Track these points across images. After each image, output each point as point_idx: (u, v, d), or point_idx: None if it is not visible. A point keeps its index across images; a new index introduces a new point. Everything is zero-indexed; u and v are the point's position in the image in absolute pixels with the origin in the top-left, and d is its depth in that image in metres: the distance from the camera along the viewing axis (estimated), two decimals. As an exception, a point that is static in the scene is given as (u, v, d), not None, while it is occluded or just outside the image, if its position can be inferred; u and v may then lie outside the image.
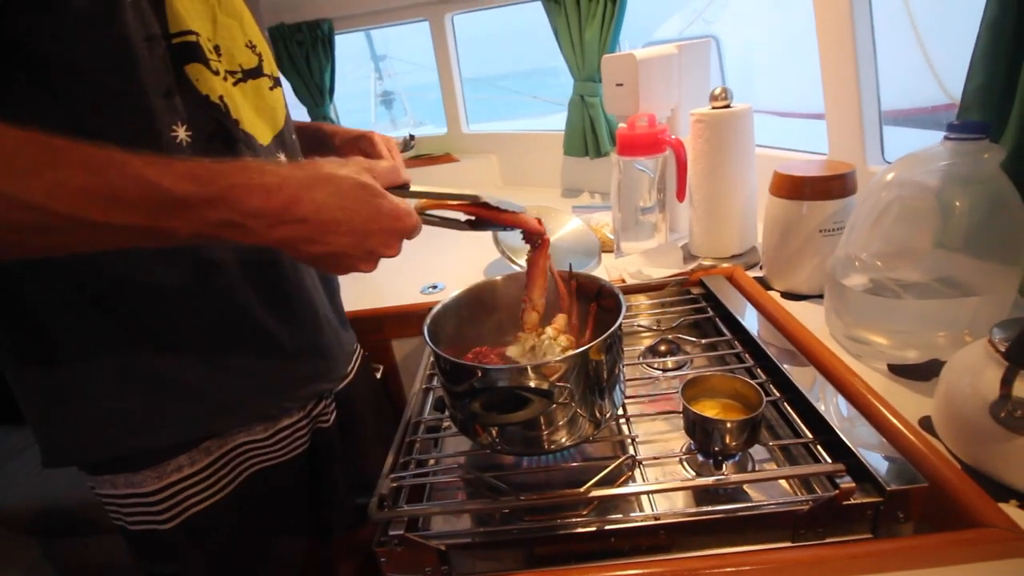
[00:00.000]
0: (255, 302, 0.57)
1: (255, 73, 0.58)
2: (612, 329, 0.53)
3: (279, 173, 0.42)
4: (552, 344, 0.59)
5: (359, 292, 1.12)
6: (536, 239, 0.63)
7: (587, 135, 1.47)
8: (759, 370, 0.66)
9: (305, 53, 1.74)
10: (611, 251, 1.11)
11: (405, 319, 1.00)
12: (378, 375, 1.03)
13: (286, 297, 0.61)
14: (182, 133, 0.50)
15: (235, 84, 0.55)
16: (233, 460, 0.60)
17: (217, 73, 0.52)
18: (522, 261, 1.03)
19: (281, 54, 1.75)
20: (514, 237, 1.08)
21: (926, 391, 0.59)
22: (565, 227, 1.13)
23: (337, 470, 0.74)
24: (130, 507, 0.56)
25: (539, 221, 0.62)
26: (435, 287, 1.07)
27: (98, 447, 0.54)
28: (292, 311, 0.61)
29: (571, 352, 0.53)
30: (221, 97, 0.52)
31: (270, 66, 0.60)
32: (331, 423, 0.71)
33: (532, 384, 0.50)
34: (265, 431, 0.62)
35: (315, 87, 1.80)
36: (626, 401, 0.66)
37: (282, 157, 0.61)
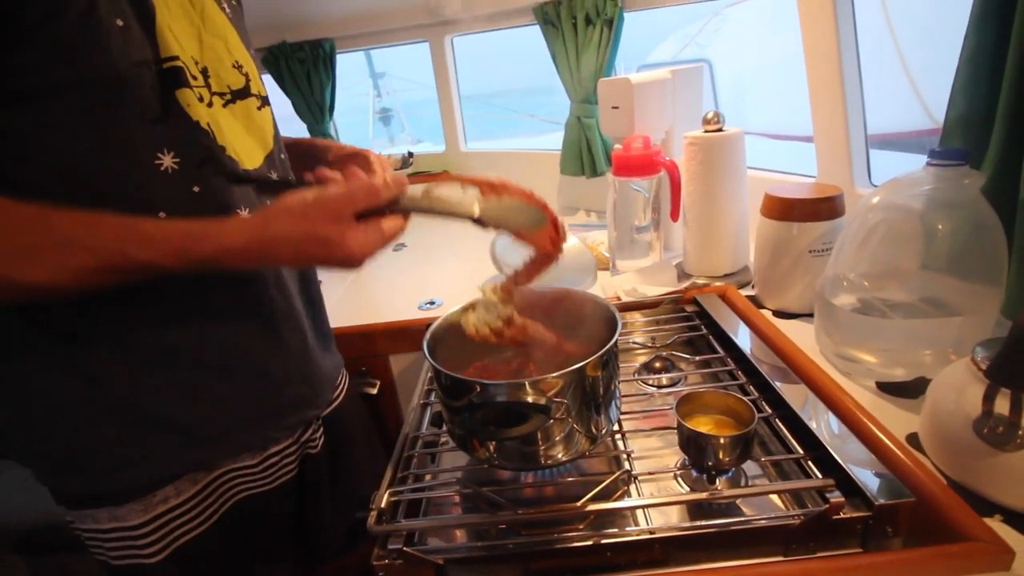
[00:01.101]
0: (244, 330, 0.56)
1: (243, 94, 0.57)
2: (608, 346, 0.54)
3: (242, 228, 0.48)
4: (492, 306, 0.59)
5: (357, 308, 1.13)
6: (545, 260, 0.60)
7: (583, 155, 1.50)
8: (751, 387, 0.67)
9: (306, 71, 1.77)
10: (607, 269, 1.13)
11: (402, 335, 1.00)
12: (374, 391, 1.03)
13: (275, 324, 0.59)
14: (168, 160, 0.49)
15: (225, 105, 0.54)
16: (220, 488, 0.59)
17: (201, 100, 0.51)
18: (519, 278, 1.04)
19: (283, 72, 1.78)
20: (512, 255, 1.10)
21: (913, 408, 0.60)
22: (561, 245, 1.15)
23: (326, 495, 0.73)
24: (114, 541, 0.54)
25: (556, 232, 0.59)
26: (432, 303, 1.08)
27: (76, 481, 0.53)
28: (280, 338, 0.60)
29: (568, 368, 0.54)
30: (208, 124, 0.52)
31: (257, 86, 0.59)
32: (319, 449, 0.70)
33: (530, 399, 0.51)
34: (253, 458, 0.61)
35: (315, 105, 1.83)
36: (621, 417, 0.67)
37: (273, 176, 0.60)
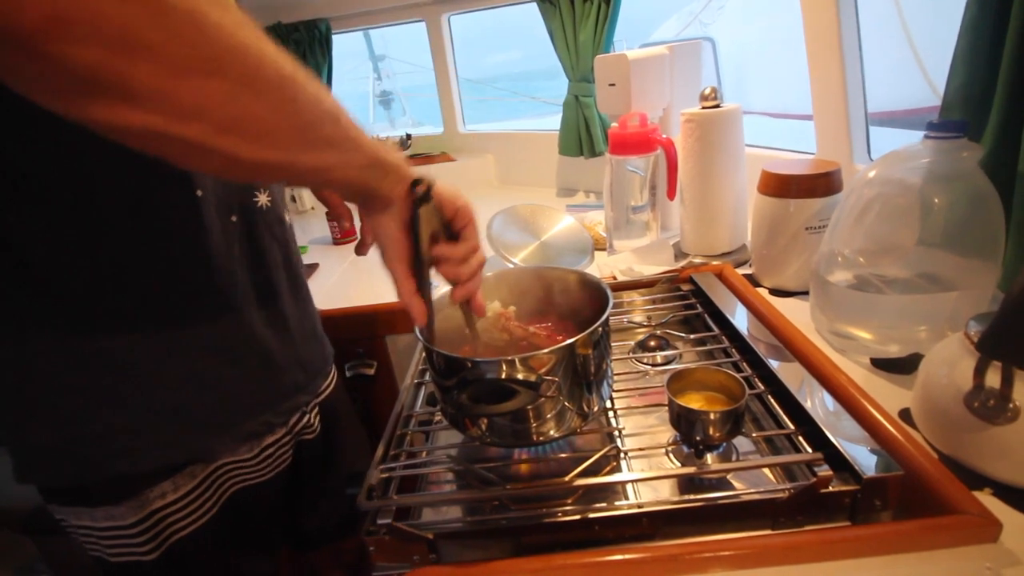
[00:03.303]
0: (254, 309, 0.56)
1: None
2: (597, 324, 0.54)
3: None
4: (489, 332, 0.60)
5: (354, 290, 1.13)
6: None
7: (582, 135, 1.48)
8: (745, 364, 0.67)
9: (303, 52, 1.75)
10: (604, 249, 1.12)
11: (398, 316, 1.01)
12: (372, 371, 1.04)
13: (283, 306, 0.60)
14: None
15: None
16: (217, 481, 0.59)
17: None
18: (516, 259, 1.04)
19: (278, 54, 1.76)
20: (508, 235, 1.09)
21: (907, 384, 0.60)
22: (558, 225, 1.14)
23: (322, 481, 0.73)
24: (110, 539, 0.54)
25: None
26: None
27: (74, 469, 0.51)
28: (286, 320, 0.60)
29: (558, 345, 0.54)
30: None
31: None
32: (315, 435, 0.71)
33: (520, 376, 0.51)
34: (250, 451, 0.61)
35: (312, 87, 1.81)
36: (615, 395, 0.67)
37: None
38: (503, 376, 0.52)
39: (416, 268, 0.49)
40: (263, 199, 0.58)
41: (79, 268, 0.47)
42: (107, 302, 0.48)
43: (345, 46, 1.85)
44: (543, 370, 0.51)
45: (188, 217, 0.50)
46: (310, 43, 1.73)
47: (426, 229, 0.48)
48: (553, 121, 1.58)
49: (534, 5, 1.48)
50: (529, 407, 0.52)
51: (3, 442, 0.53)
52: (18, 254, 0.46)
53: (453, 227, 0.51)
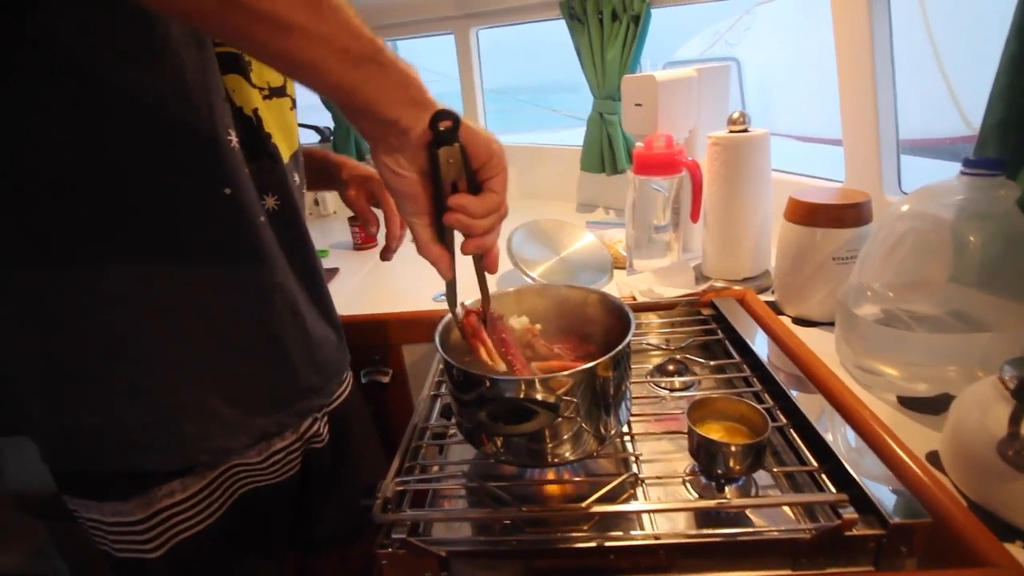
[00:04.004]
0: (273, 311, 0.57)
1: (280, 92, 0.58)
2: (621, 346, 0.54)
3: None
4: None
5: (373, 297, 1.14)
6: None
7: (604, 152, 1.48)
8: (767, 395, 0.66)
9: (332, 60, 1.79)
10: (623, 267, 1.11)
11: (416, 325, 1.01)
12: (387, 379, 1.04)
13: (299, 308, 0.60)
14: (235, 139, 0.51)
15: (263, 99, 0.56)
16: (225, 483, 0.59)
17: (255, 86, 0.53)
18: (534, 274, 1.04)
19: (309, 61, 1.79)
20: (528, 250, 1.09)
21: (935, 425, 0.58)
22: (579, 242, 1.14)
23: (329, 490, 0.73)
24: (116, 535, 0.54)
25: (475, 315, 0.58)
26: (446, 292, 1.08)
27: (93, 458, 0.52)
28: (303, 322, 0.61)
29: (579, 368, 0.53)
30: (256, 110, 0.53)
31: (291, 87, 0.60)
32: (324, 444, 0.70)
33: (539, 397, 0.51)
34: (259, 454, 0.61)
35: (340, 94, 1.84)
36: (632, 419, 0.66)
37: (295, 177, 0.61)
38: (523, 396, 0.51)
39: (438, 219, 0.45)
40: (270, 202, 0.58)
41: (107, 261, 0.48)
42: (132, 295, 0.49)
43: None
44: (562, 390, 0.51)
45: (217, 215, 0.51)
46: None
47: (448, 175, 0.43)
48: (571, 135, 1.58)
49: (560, 20, 1.49)
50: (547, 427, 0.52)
51: (26, 431, 0.54)
52: (50, 246, 0.47)
53: (479, 176, 0.46)
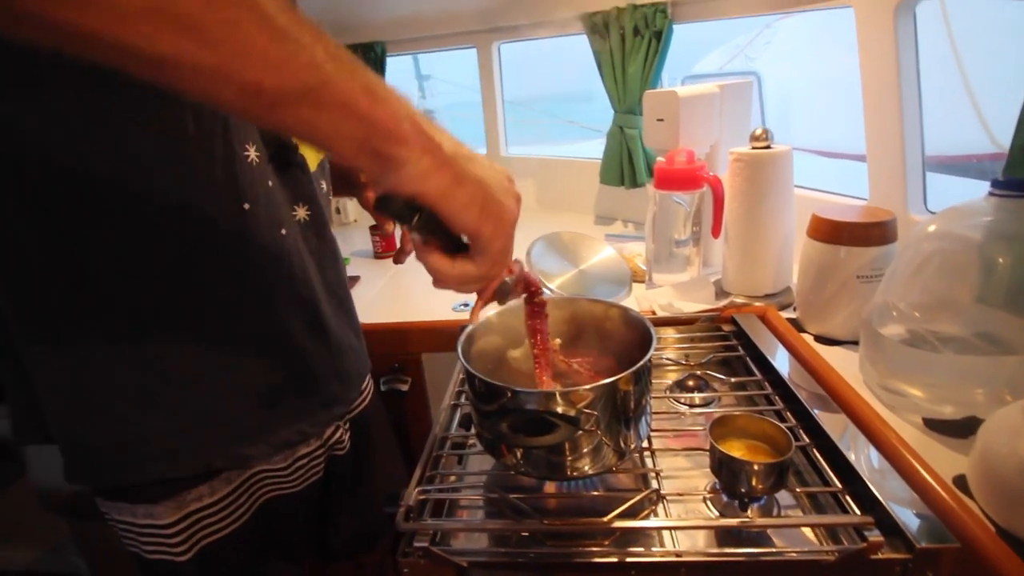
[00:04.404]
0: (295, 320, 0.58)
1: None
2: (643, 361, 0.54)
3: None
4: None
5: (393, 306, 1.16)
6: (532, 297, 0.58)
7: (624, 165, 1.49)
8: (789, 414, 0.66)
9: (357, 72, 1.82)
10: (642, 281, 1.12)
11: (436, 334, 1.02)
12: (406, 387, 1.05)
13: (323, 318, 0.61)
14: (252, 153, 0.52)
15: None
16: (250, 488, 0.60)
17: None
18: (553, 285, 1.04)
19: (334, 72, 1.84)
20: (547, 261, 1.10)
21: (962, 448, 0.58)
22: (598, 255, 1.14)
23: (349, 496, 0.74)
24: (147, 536, 0.55)
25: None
26: (467, 305, 1.10)
27: (117, 470, 0.53)
28: (326, 331, 0.61)
29: (600, 383, 0.54)
30: None
31: None
32: (346, 451, 0.71)
33: (560, 410, 0.51)
34: (284, 460, 0.62)
35: (363, 105, 1.88)
36: (651, 434, 0.66)
37: (323, 185, 0.62)
38: (544, 409, 0.52)
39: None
40: (301, 213, 0.59)
41: (131, 276, 0.49)
42: (157, 310, 0.50)
43: (393, 65, 1.91)
44: (583, 404, 0.51)
45: (236, 229, 0.52)
46: (366, 64, 1.80)
47: (420, 231, 0.41)
48: (588, 146, 1.58)
49: (581, 34, 1.51)
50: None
51: (55, 440, 0.55)
52: (77, 263, 0.48)
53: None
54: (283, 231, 0.56)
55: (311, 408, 0.62)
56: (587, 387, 0.52)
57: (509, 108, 1.89)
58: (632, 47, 1.37)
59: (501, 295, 0.54)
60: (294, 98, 0.31)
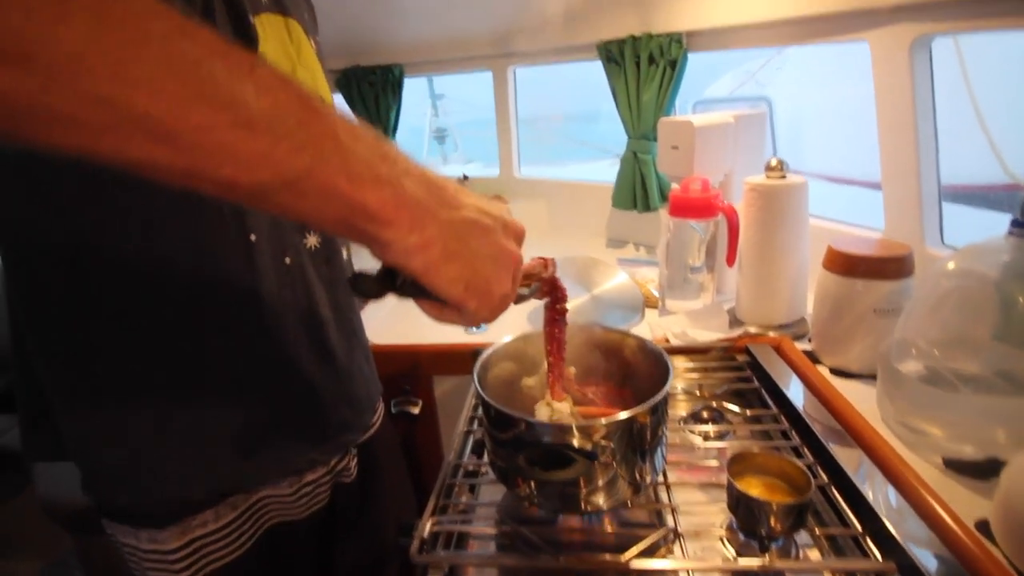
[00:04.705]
0: (303, 348, 0.58)
1: None
2: (660, 394, 0.54)
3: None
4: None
5: (404, 327, 1.16)
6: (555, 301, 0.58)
7: (637, 190, 1.50)
8: (806, 449, 0.65)
9: (375, 94, 1.86)
10: (655, 308, 1.12)
11: (447, 357, 1.02)
12: (416, 410, 1.05)
13: (331, 344, 0.61)
14: None
15: None
16: (255, 515, 0.60)
17: None
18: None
19: (353, 93, 1.87)
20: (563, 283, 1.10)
21: (982, 491, 0.57)
22: (611, 281, 1.15)
23: (355, 524, 0.73)
24: (152, 562, 0.55)
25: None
26: (478, 328, 1.10)
27: (129, 492, 0.54)
28: (334, 358, 0.61)
29: (617, 417, 0.53)
30: None
31: None
32: (353, 479, 0.71)
33: (576, 444, 0.51)
34: (290, 486, 0.62)
35: (380, 126, 1.91)
36: (665, 467, 0.65)
37: None
38: (561, 442, 0.52)
39: None
40: (312, 240, 0.60)
41: (141, 305, 0.50)
42: (166, 338, 0.51)
43: (408, 85, 1.95)
44: (599, 436, 0.51)
45: (242, 260, 0.53)
46: (383, 85, 1.84)
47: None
48: (599, 167, 1.59)
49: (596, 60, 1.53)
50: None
51: (65, 457, 0.56)
52: (91, 292, 0.49)
53: None
54: (287, 260, 0.57)
55: (320, 435, 0.62)
56: (604, 421, 0.52)
57: (520, 127, 1.91)
58: (647, 75, 1.39)
59: (524, 297, 0.52)
60: (272, 190, 0.31)
